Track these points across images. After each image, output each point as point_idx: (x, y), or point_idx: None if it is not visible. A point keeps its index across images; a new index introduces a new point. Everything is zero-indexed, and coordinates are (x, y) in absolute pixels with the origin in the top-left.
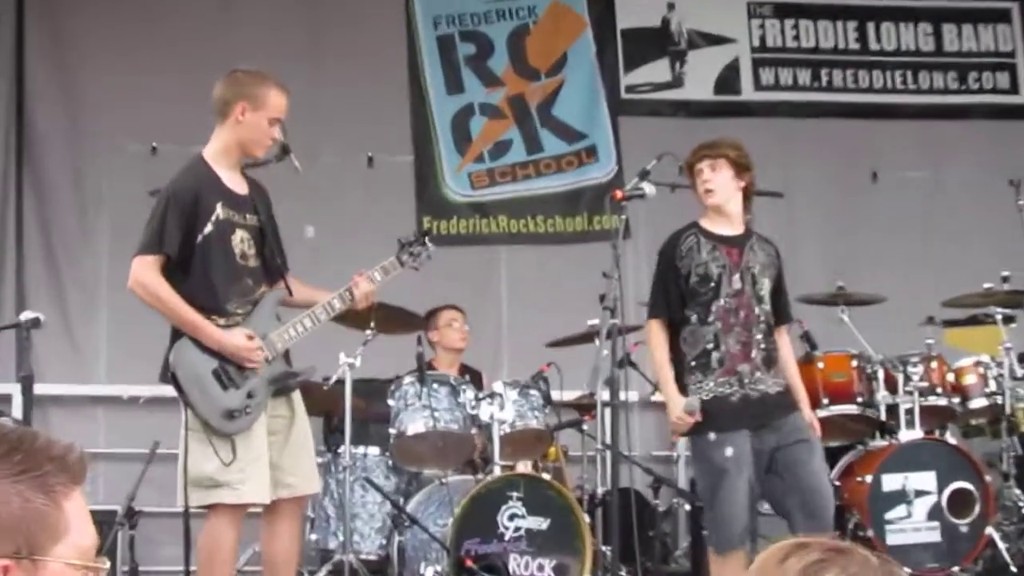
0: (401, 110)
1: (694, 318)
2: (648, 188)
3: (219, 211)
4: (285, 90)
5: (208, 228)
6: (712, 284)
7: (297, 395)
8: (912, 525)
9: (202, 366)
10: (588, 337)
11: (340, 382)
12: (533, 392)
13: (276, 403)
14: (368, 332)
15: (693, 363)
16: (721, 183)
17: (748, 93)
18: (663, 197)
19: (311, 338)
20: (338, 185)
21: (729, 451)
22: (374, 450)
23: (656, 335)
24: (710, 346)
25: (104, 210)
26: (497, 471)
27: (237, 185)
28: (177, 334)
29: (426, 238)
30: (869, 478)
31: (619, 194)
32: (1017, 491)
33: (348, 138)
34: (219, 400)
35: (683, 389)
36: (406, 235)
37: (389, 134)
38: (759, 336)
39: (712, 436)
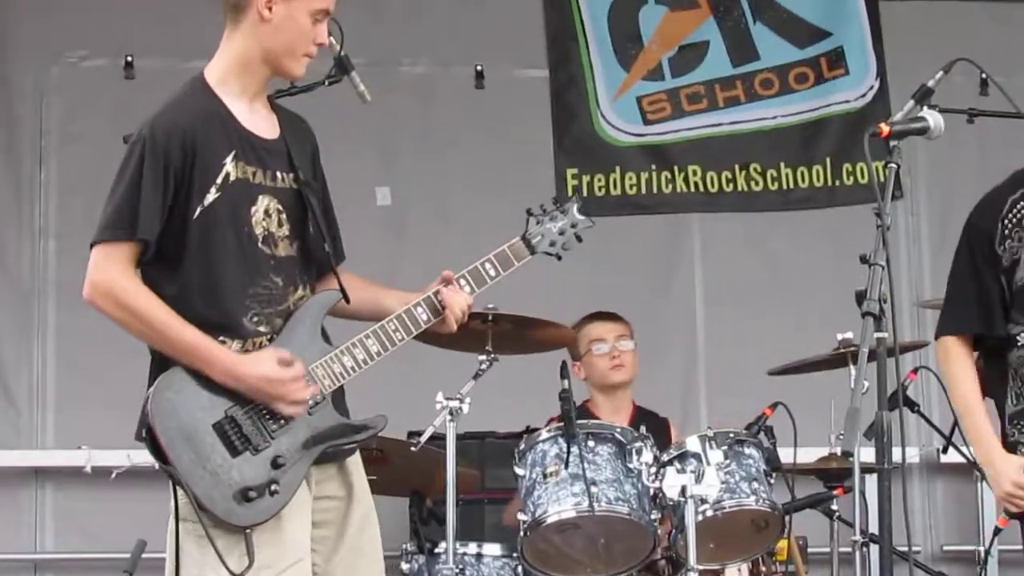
0: None
1: (1022, 337)
2: (932, 119)
3: (230, 167)
4: None
5: (211, 195)
6: None
7: (355, 463)
8: None
9: (199, 415)
10: (838, 360)
11: (438, 439)
12: (750, 451)
13: (322, 476)
14: (483, 358)
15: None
16: None
17: None
18: (956, 131)
19: (388, 368)
20: (429, 118)
21: None
22: (494, 548)
23: (955, 358)
24: None
25: (49, 163)
26: None
27: (261, 124)
28: (161, 363)
29: (574, 207)
30: None
31: (885, 129)
32: None
33: (444, 42)
34: (226, 471)
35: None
36: (539, 203)
37: (509, 35)
38: None
39: None
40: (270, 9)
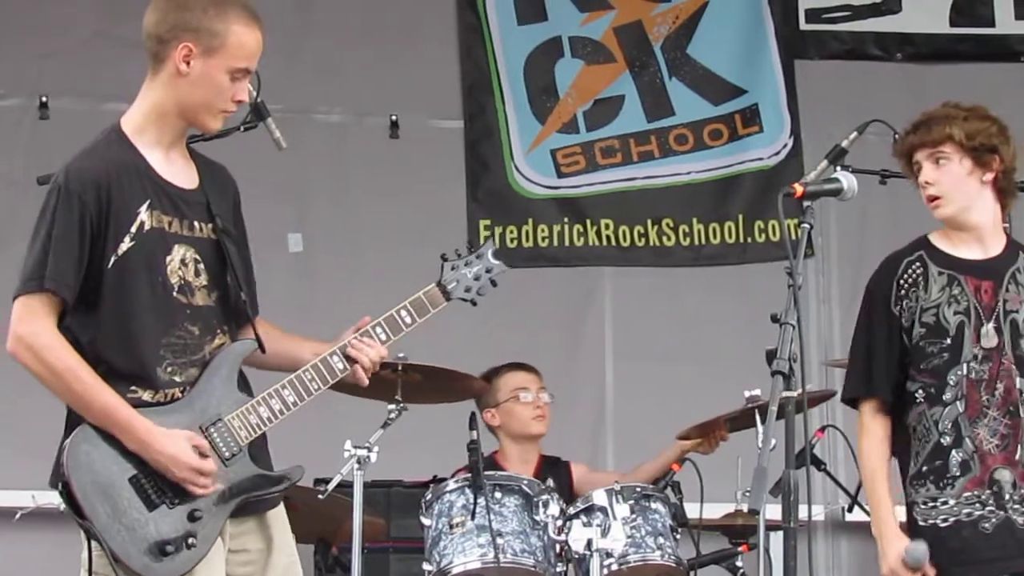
0: (444, 47)
1: (920, 394)
2: (845, 179)
3: (144, 216)
4: (256, 21)
5: (125, 244)
6: (948, 340)
7: (278, 514)
8: None
9: (115, 469)
10: (745, 418)
11: (345, 487)
12: (656, 506)
13: (241, 528)
14: (391, 407)
15: (924, 468)
16: (950, 184)
17: (1006, 24)
18: (869, 192)
19: (296, 415)
20: (343, 167)
21: None
22: None
23: (869, 426)
24: (947, 439)
25: None
26: None
27: (179, 173)
28: (77, 416)
29: (489, 251)
30: None
31: (799, 190)
32: None
33: (359, 92)
34: (142, 525)
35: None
36: (454, 249)
37: (424, 86)
38: None
39: None
40: (187, 64)
